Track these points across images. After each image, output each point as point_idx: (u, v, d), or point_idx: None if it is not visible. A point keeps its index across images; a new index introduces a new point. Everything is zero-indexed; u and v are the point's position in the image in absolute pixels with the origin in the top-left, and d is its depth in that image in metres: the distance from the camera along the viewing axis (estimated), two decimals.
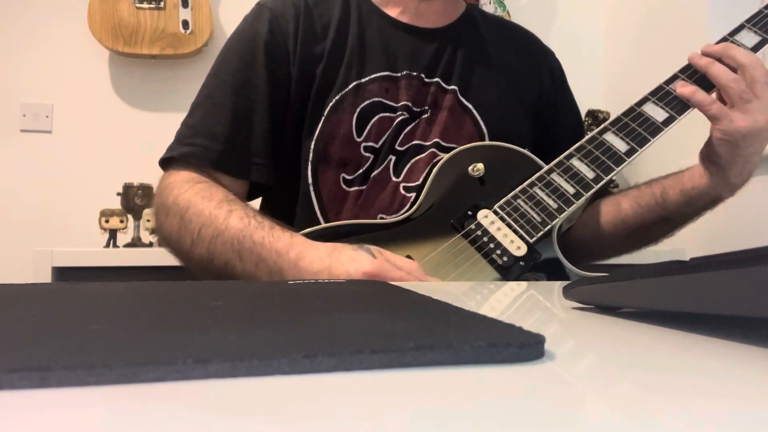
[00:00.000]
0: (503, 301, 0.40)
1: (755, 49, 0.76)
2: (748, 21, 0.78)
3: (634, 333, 0.26)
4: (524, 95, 0.89)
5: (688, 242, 1.54)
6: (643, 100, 0.76)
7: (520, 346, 0.19)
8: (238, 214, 0.67)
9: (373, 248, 0.61)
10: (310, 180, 0.79)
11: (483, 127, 0.83)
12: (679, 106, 0.74)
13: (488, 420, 0.14)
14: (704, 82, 0.73)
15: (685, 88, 0.73)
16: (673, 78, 0.76)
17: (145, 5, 1.82)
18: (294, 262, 0.61)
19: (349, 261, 0.59)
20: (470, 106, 0.83)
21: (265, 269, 0.63)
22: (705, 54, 0.74)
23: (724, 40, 0.77)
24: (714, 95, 0.72)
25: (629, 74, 1.94)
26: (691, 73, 0.75)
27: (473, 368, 0.18)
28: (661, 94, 0.75)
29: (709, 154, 0.74)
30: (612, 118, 0.76)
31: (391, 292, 0.36)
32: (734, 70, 0.71)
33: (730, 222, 1.44)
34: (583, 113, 1.73)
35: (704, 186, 0.76)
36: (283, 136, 0.80)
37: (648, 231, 0.85)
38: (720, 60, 0.72)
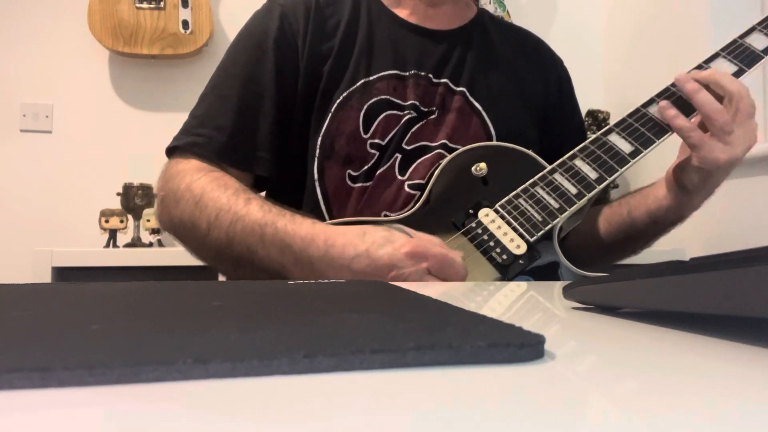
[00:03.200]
0: (503, 302, 0.40)
1: (766, 51, 0.75)
2: (760, 24, 0.78)
3: (634, 333, 0.26)
4: (531, 99, 0.89)
5: (688, 242, 1.54)
6: (649, 102, 0.75)
7: (520, 346, 0.19)
8: (258, 203, 0.67)
9: (402, 227, 0.62)
10: (316, 175, 0.79)
11: (491, 128, 0.83)
12: (686, 109, 0.73)
13: (488, 420, 0.14)
14: (689, 104, 0.72)
15: (667, 111, 0.72)
16: (673, 86, 0.76)
17: (145, 5, 1.82)
18: (324, 250, 0.60)
19: (386, 242, 0.59)
20: (479, 107, 0.83)
21: (291, 256, 0.63)
22: (694, 78, 0.72)
23: (733, 42, 0.77)
24: (695, 120, 0.72)
25: (629, 74, 1.94)
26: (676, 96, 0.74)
27: (473, 368, 0.18)
28: (666, 96, 0.75)
29: (679, 177, 0.75)
30: (617, 119, 0.76)
31: (391, 292, 0.36)
32: (720, 98, 0.70)
33: (730, 222, 1.44)
34: (583, 113, 1.72)
35: (668, 207, 0.78)
36: (289, 132, 0.80)
37: (620, 247, 0.88)
38: (707, 86, 0.71)
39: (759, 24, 0.77)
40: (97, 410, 0.15)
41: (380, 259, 0.58)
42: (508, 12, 1.96)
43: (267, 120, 0.78)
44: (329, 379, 0.17)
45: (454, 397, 0.16)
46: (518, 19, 1.97)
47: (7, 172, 1.88)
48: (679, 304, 0.25)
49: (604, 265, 0.93)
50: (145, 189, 1.63)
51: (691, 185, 0.74)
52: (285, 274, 0.64)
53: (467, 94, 0.83)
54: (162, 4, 1.83)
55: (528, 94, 0.89)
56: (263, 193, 0.87)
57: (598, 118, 1.82)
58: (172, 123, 0.82)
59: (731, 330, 0.26)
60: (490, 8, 1.92)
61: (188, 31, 1.84)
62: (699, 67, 0.76)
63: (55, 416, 0.14)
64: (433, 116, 0.81)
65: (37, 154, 1.89)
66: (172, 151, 0.79)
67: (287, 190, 0.81)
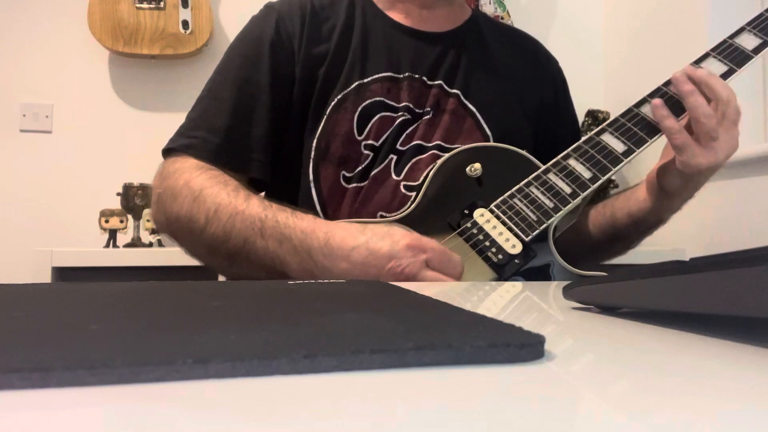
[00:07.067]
0: (503, 301, 0.40)
1: (756, 51, 0.75)
2: (749, 24, 0.78)
3: (634, 333, 0.26)
4: (526, 100, 0.90)
5: (688, 242, 1.54)
6: (642, 102, 0.76)
7: (520, 346, 0.19)
8: (258, 199, 0.68)
9: (402, 225, 0.63)
10: (311, 177, 0.79)
11: (486, 129, 0.83)
12: (677, 107, 0.73)
13: (488, 420, 0.14)
14: (679, 104, 0.72)
15: (659, 110, 0.72)
16: (669, 83, 0.76)
17: (145, 5, 1.82)
18: (324, 241, 0.62)
19: (386, 236, 0.60)
20: (473, 108, 0.84)
21: (290, 248, 0.63)
22: (689, 76, 0.72)
23: (723, 43, 0.77)
24: (683, 122, 0.72)
25: (629, 74, 1.94)
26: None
27: (473, 368, 0.18)
28: (659, 95, 0.75)
29: (661, 180, 0.76)
30: (610, 119, 0.76)
31: (391, 292, 0.36)
32: (708, 101, 0.70)
33: (730, 222, 1.44)
34: (583, 113, 1.71)
35: (648, 210, 0.79)
36: (284, 134, 0.81)
37: (606, 248, 0.89)
38: (698, 86, 0.71)
39: (749, 24, 0.78)
40: (97, 410, 0.15)
41: (380, 251, 0.59)
42: (508, 12, 1.96)
43: (262, 122, 0.79)
44: (329, 379, 0.17)
45: (454, 397, 0.16)
46: (518, 19, 1.97)
47: (7, 172, 1.88)
48: (679, 304, 0.25)
49: (596, 264, 0.93)
50: (145, 189, 1.63)
51: (671, 188, 0.75)
52: (282, 267, 0.64)
53: (461, 96, 0.84)
54: (162, 4, 1.83)
55: (523, 94, 0.90)
56: (262, 194, 0.87)
57: (598, 118, 1.82)
58: (172, 123, 0.82)
59: (731, 330, 0.26)
60: (490, 8, 1.92)
61: (188, 31, 1.83)
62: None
63: (55, 416, 0.14)
64: (428, 117, 0.82)
65: (37, 154, 1.89)
66: (167, 153, 0.79)
67: (283, 192, 0.81)
